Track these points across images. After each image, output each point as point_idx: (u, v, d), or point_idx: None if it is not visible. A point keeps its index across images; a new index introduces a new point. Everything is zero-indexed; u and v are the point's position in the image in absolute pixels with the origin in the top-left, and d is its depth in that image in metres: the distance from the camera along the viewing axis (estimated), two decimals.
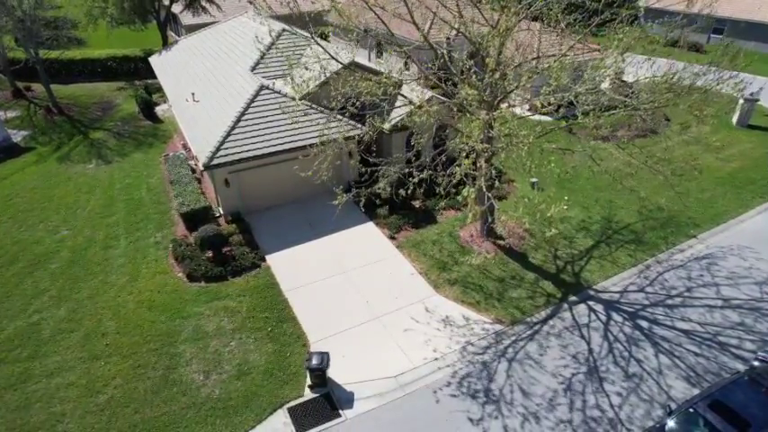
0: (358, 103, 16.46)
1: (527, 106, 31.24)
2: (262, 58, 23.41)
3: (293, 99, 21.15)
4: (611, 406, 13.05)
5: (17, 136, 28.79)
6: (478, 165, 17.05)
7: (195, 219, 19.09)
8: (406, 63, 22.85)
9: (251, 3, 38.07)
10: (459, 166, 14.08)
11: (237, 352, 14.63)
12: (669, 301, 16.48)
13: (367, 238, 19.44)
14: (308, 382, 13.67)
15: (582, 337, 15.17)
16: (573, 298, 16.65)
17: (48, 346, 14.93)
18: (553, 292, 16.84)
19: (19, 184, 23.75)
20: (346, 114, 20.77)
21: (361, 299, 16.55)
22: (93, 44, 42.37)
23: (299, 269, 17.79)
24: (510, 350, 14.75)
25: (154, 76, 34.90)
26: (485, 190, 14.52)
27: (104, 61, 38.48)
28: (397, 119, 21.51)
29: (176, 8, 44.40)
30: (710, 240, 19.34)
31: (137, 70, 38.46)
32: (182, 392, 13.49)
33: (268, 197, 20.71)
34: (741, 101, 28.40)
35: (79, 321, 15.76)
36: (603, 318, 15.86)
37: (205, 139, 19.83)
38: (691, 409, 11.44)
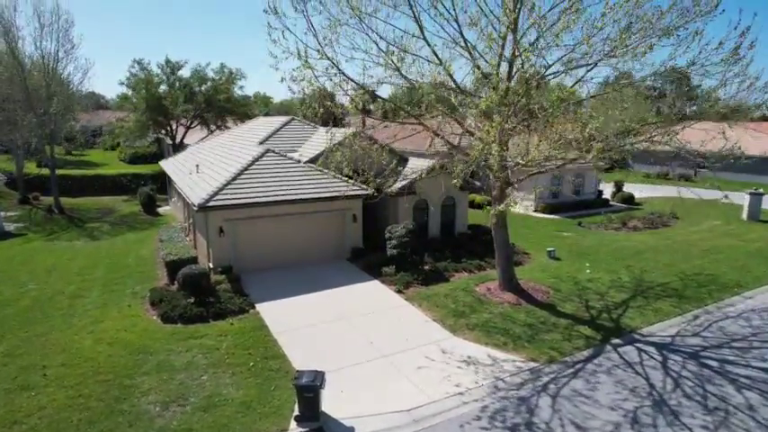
0: (364, 167, 16.42)
1: (531, 204, 31.12)
2: (270, 136, 23.93)
3: (297, 162, 21.04)
4: None
5: (11, 226, 27.94)
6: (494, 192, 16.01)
7: (181, 269, 17.11)
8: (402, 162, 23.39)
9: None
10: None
11: (209, 385, 11.59)
12: (736, 344, 13.76)
13: (372, 292, 17.22)
14: (296, 411, 10.51)
15: (637, 373, 12.22)
16: (616, 340, 13.95)
17: None
18: (592, 335, 14.18)
19: None
20: (352, 178, 20.38)
21: (365, 340, 13.84)
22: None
23: (292, 315, 15.30)
24: (552, 386, 11.70)
25: (162, 191, 35.54)
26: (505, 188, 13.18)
27: (115, 177, 39.58)
28: (404, 182, 20.98)
29: (190, 139, 47.48)
30: (763, 297, 17.10)
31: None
32: (128, 423, 10.25)
33: (264, 257, 18.92)
34: (747, 196, 28.22)
35: (19, 356, 12.87)
36: (658, 357, 13.01)
37: (204, 190, 18.96)
38: None
